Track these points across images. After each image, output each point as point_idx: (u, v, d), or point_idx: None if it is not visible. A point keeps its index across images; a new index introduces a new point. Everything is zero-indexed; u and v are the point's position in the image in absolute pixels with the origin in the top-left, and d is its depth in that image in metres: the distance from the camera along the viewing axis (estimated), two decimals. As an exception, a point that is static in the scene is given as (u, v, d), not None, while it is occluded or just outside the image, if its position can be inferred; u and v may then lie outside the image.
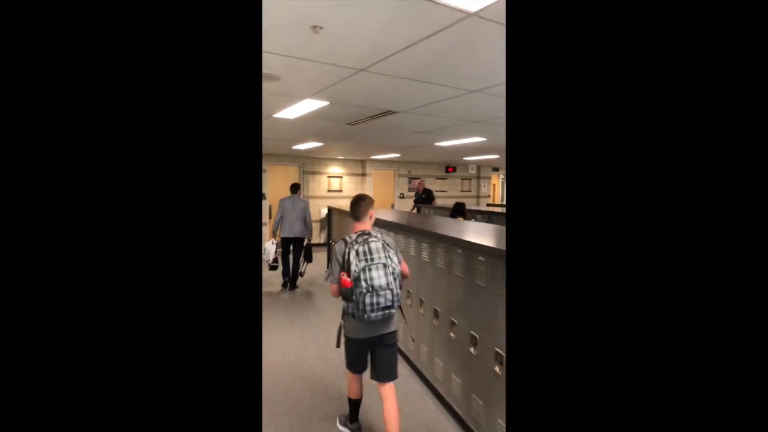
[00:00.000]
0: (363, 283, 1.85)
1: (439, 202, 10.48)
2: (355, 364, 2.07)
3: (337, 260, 1.94)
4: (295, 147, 7.27)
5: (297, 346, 3.48)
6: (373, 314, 1.86)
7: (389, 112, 3.89)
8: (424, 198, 7.50)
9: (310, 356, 3.28)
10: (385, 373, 2.02)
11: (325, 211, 8.13)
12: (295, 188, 5.52)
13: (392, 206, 10.64)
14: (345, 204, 9.10)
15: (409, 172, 10.68)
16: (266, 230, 8.84)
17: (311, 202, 7.48)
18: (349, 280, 1.86)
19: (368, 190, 10.12)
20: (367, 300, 1.85)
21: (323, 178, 9.76)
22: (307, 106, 3.61)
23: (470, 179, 11.93)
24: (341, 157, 9.61)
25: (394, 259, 1.94)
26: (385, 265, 1.88)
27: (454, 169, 11.36)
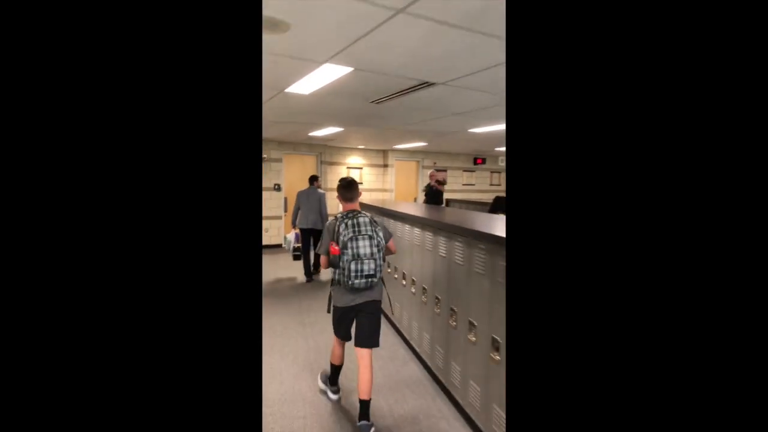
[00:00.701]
0: (349, 251, 2.06)
1: (465, 196, 9.75)
2: (339, 330, 2.28)
3: (329, 232, 2.17)
4: (312, 133, 6.61)
5: (308, 343, 3.19)
6: (357, 281, 2.08)
7: (426, 85, 3.16)
8: (435, 193, 6.22)
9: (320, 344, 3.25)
10: (362, 340, 2.19)
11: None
12: (312, 180, 5.61)
13: (415, 200, 9.91)
14: (366, 198, 8.48)
15: (435, 163, 9.92)
16: (283, 222, 8.23)
17: (329, 194, 6.86)
18: (337, 248, 2.09)
19: (390, 183, 9.41)
20: (352, 267, 2.06)
21: (342, 170, 9.09)
22: (326, 74, 2.91)
23: (500, 172, 11.09)
24: (362, 147, 8.92)
25: (380, 234, 2.15)
26: (370, 237, 2.10)
27: (484, 161, 10.54)
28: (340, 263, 2.09)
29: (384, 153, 9.48)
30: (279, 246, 8.16)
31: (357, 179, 9.20)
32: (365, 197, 9.20)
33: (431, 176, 6.44)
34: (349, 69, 2.78)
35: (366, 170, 9.30)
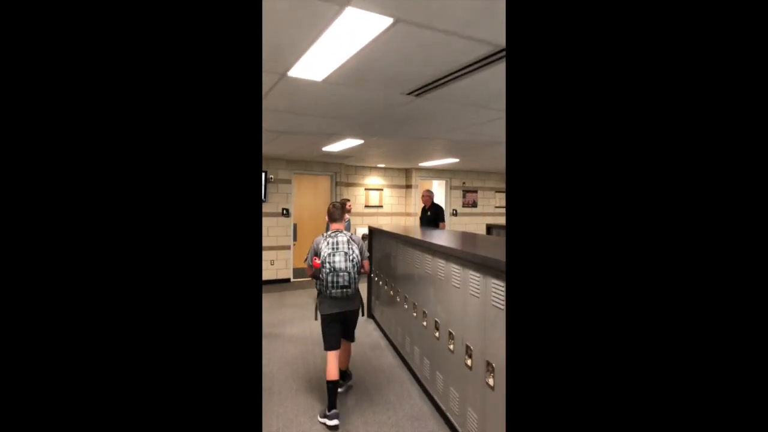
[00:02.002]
0: (327, 265, 2.50)
1: (497, 220, 8.56)
2: (328, 339, 2.64)
3: (314, 249, 2.62)
4: (326, 148, 5.56)
5: None
6: (334, 290, 2.53)
7: (500, 56, 2.06)
8: (430, 216, 5.47)
9: None
10: (349, 336, 2.80)
11: (363, 232, 6.36)
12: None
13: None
14: (386, 222, 7.36)
15: (464, 183, 8.78)
16: (289, 254, 7.11)
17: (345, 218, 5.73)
18: (318, 262, 2.54)
19: (414, 205, 8.27)
20: (330, 279, 2.50)
21: (360, 191, 8.00)
22: (348, 35, 1.83)
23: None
24: (382, 165, 7.84)
25: (356, 251, 2.56)
26: (346, 253, 2.51)
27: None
28: (320, 275, 2.52)
29: (407, 172, 8.38)
30: (287, 281, 7.01)
31: (377, 202, 8.13)
32: (385, 221, 8.07)
33: (425, 200, 5.62)
34: (388, 21, 1.68)
35: (387, 192, 8.20)
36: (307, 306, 5.37)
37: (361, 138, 4.72)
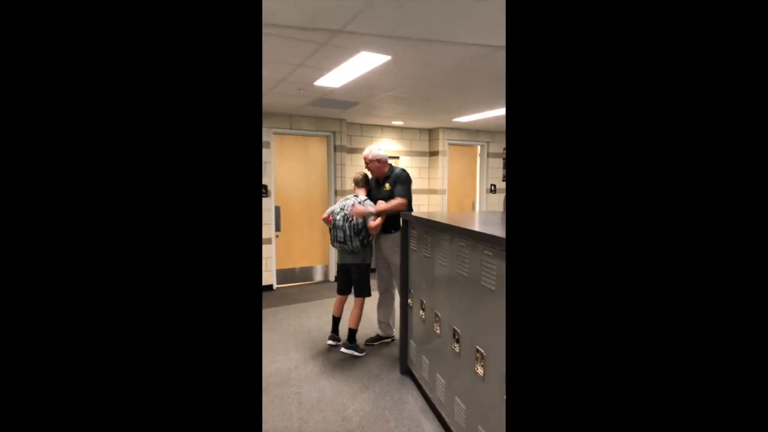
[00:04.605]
0: (332, 222, 3.06)
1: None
2: (338, 284, 3.28)
3: (333, 206, 3.20)
4: (322, 82, 3.36)
5: None
6: (335, 243, 3.07)
7: None
8: (386, 191, 3.13)
9: None
10: (355, 291, 3.16)
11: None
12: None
13: (473, 206, 6.60)
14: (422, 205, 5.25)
15: (504, 149, 6.61)
16: (271, 250, 5.01)
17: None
18: (330, 218, 3.08)
19: (442, 180, 6.11)
20: (332, 233, 3.07)
21: (368, 160, 5.80)
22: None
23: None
24: (399, 123, 5.64)
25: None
26: (345, 214, 3.01)
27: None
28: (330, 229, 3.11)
29: (431, 135, 6.18)
30: (268, 288, 4.91)
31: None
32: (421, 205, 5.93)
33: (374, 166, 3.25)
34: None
35: (404, 161, 6.00)
36: (302, 335, 3.30)
37: (387, 51, 2.52)
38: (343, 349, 3.13)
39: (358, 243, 3.00)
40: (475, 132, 6.25)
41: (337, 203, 3.12)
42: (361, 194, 3.16)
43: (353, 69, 2.90)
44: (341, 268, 3.22)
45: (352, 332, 3.11)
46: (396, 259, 3.06)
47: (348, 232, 2.97)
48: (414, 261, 2.61)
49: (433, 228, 2.26)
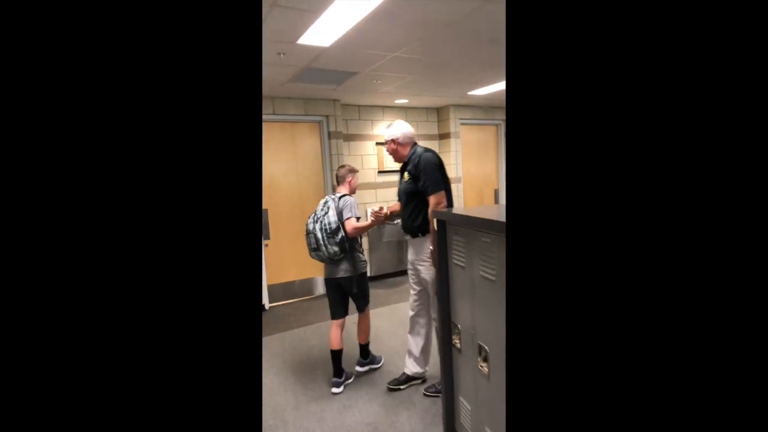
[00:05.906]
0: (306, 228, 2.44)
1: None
2: (329, 306, 2.53)
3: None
4: (303, 40, 2.48)
5: None
6: (311, 253, 2.40)
7: None
8: (408, 183, 2.30)
9: None
10: (357, 306, 2.54)
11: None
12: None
13: (495, 196, 5.74)
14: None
15: (523, 127, 5.73)
16: (263, 261, 4.11)
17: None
18: None
19: (456, 168, 5.25)
20: (306, 239, 2.40)
21: (369, 147, 4.93)
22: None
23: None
24: (403, 101, 4.75)
25: (330, 213, 2.35)
26: (315, 215, 2.40)
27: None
28: None
29: (439, 114, 5.31)
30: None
31: (397, 166, 5.07)
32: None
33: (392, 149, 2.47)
34: None
35: (410, 147, 5.12)
36: (303, 377, 2.44)
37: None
38: (357, 368, 2.61)
39: (336, 248, 2.32)
40: (489, 109, 5.37)
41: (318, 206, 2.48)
42: (343, 190, 2.49)
43: (345, 14, 2.02)
44: (329, 283, 2.48)
45: (364, 347, 2.61)
46: (428, 276, 2.21)
47: (320, 235, 2.32)
48: (459, 281, 1.73)
49: (500, 231, 1.39)
